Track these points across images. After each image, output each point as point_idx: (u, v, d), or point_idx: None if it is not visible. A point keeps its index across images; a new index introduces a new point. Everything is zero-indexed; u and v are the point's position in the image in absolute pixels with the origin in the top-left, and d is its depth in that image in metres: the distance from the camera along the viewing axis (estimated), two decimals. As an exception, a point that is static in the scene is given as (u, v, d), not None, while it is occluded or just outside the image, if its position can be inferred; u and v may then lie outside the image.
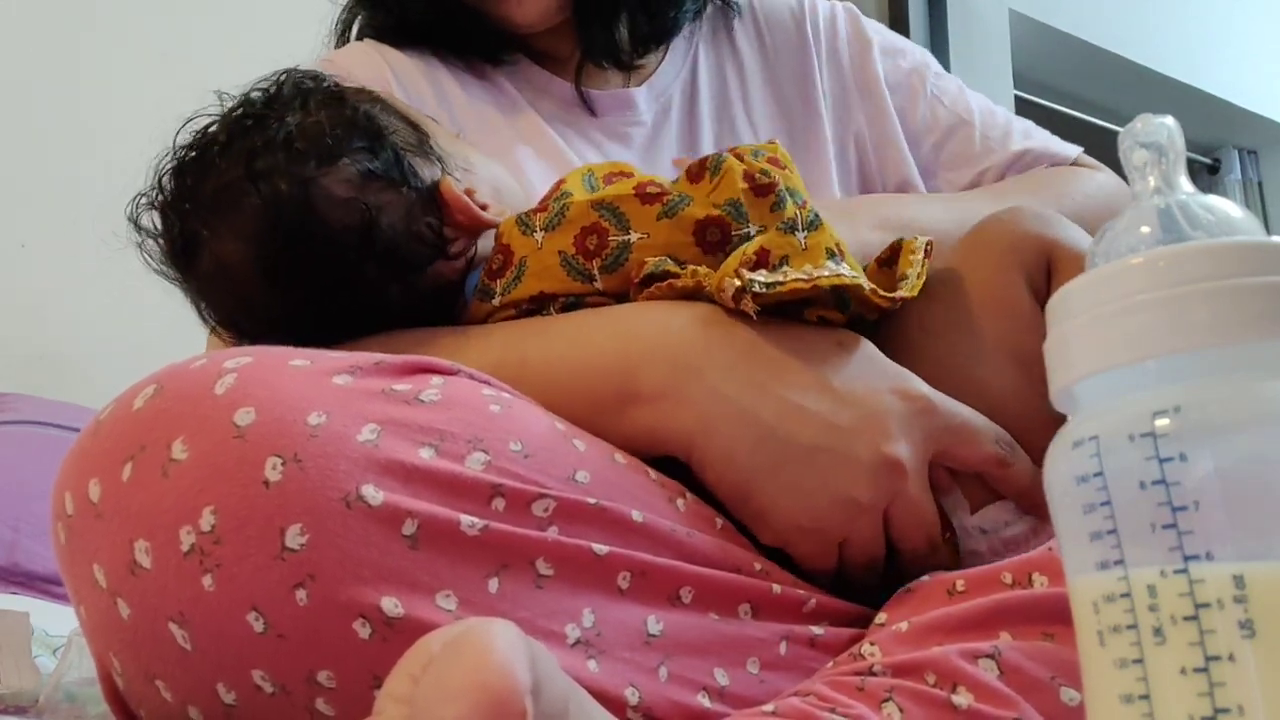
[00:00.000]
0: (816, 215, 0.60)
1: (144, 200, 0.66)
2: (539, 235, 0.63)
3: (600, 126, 0.87)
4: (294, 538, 0.44)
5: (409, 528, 0.45)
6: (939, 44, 2.25)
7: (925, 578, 0.56)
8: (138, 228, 0.66)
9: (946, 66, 1.94)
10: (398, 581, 0.44)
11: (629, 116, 0.88)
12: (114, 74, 1.78)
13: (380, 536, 0.44)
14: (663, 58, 0.92)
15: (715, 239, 0.62)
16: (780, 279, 0.57)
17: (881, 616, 0.55)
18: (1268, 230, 0.32)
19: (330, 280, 0.63)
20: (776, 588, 0.55)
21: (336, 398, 0.47)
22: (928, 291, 0.61)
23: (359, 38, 0.92)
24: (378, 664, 0.44)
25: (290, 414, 0.45)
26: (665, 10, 0.89)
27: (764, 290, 0.56)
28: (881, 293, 0.59)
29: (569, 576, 0.49)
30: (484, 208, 0.67)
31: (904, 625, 0.52)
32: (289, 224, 0.62)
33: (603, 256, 0.62)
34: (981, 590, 0.52)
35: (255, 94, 0.67)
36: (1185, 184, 0.32)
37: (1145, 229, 0.31)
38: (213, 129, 0.65)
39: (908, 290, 0.60)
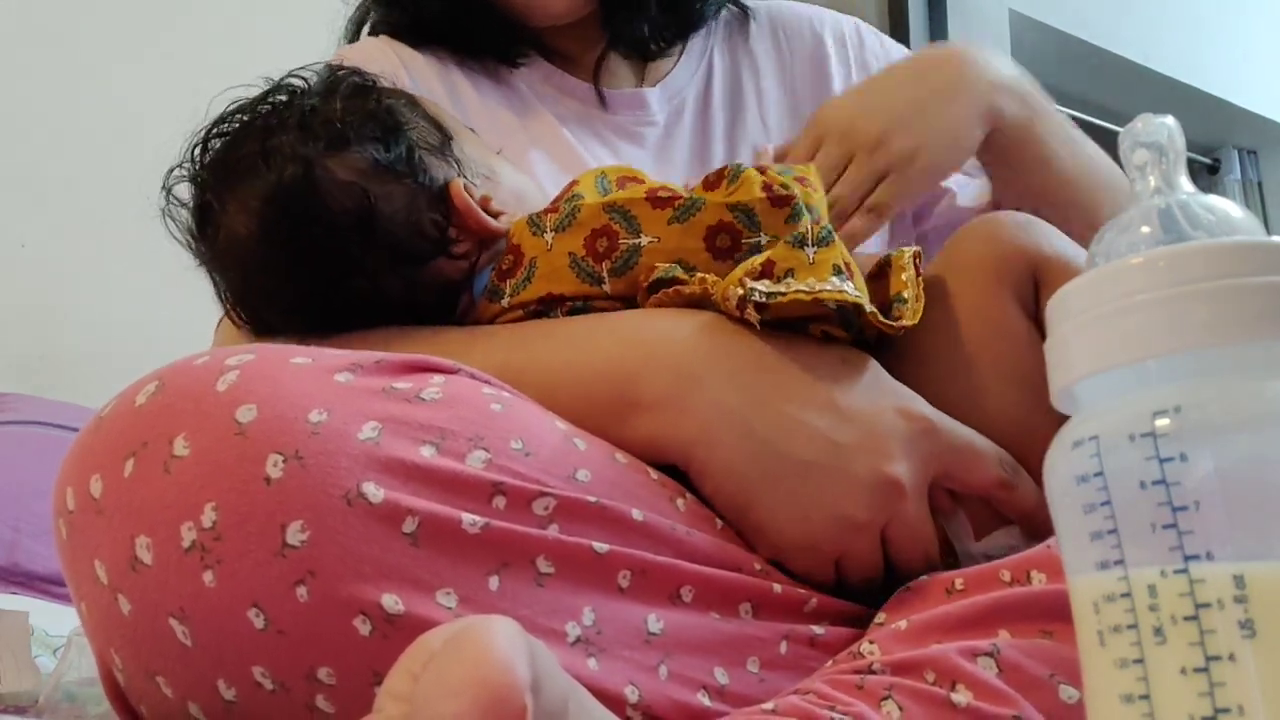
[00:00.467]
0: (829, 232, 0.60)
1: (177, 171, 0.68)
2: (549, 236, 0.63)
3: (613, 126, 0.87)
4: (295, 535, 0.44)
5: (410, 525, 0.45)
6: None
7: (924, 577, 0.56)
8: (169, 197, 0.68)
9: (946, 66, 1.93)
10: (398, 579, 0.45)
11: (642, 116, 0.88)
12: (115, 75, 1.78)
13: (381, 534, 0.45)
14: (678, 59, 0.92)
15: (725, 245, 0.62)
16: (782, 290, 0.57)
17: (881, 615, 0.55)
18: (1268, 230, 0.32)
19: (329, 264, 0.64)
20: (777, 587, 0.55)
21: (338, 395, 0.47)
22: (922, 319, 0.61)
23: (373, 34, 0.92)
24: (378, 661, 0.44)
25: (292, 411, 0.46)
26: (691, 1, 0.89)
27: (765, 300, 0.56)
28: (883, 319, 0.59)
29: (569, 575, 0.49)
30: (497, 215, 0.67)
31: (903, 624, 0.52)
32: (291, 203, 0.62)
33: (612, 259, 0.62)
34: (980, 588, 0.52)
35: (292, 79, 0.69)
36: (1186, 184, 0.32)
37: (1145, 229, 0.32)
38: (244, 105, 0.67)
39: (910, 317, 0.60)
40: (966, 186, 0.90)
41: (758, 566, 0.56)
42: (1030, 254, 0.63)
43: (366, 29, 0.94)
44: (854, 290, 0.58)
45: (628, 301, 0.63)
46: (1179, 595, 0.28)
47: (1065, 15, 2.73)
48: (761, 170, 0.64)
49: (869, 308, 0.58)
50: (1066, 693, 0.47)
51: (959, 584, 0.53)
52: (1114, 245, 0.32)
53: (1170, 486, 0.28)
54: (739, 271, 0.59)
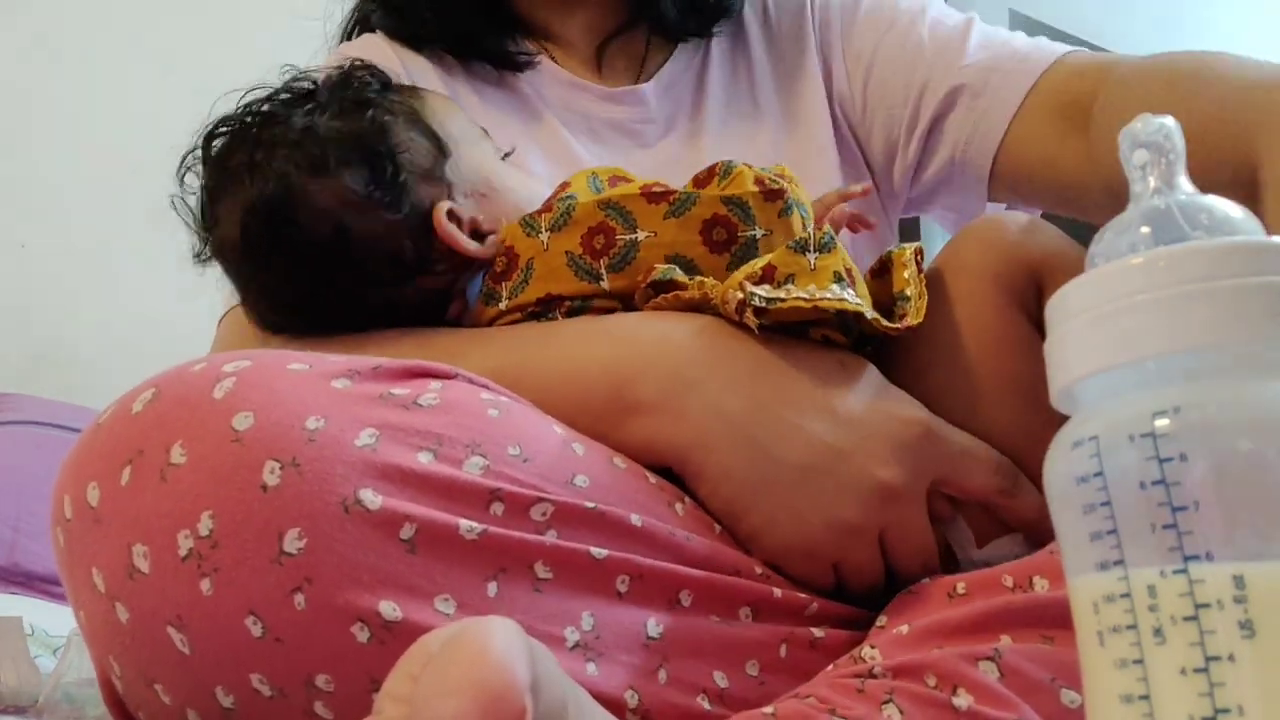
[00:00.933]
0: (831, 238, 0.59)
1: (190, 158, 0.68)
2: (544, 236, 0.63)
3: (614, 126, 0.87)
4: (292, 542, 0.44)
5: (407, 532, 0.45)
6: (939, 44, 2.25)
7: (926, 580, 0.56)
8: (182, 184, 0.68)
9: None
10: (396, 586, 0.44)
11: (641, 113, 0.87)
12: (115, 76, 1.78)
13: (378, 541, 0.44)
14: (674, 48, 0.90)
15: (722, 238, 0.62)
16: (782, 296, 0.56)
17: (882, 619, 0.55)
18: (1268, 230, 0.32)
19: (305, 281, 0.64)
20: (777, 592, 0.55)
21: (335, 402, 0.47)
22: (921, 327, 0.60)
23: (373, 31, 0.91)
24: (376, 668, 0.44)
25: (288, 418, 0.45)
26: None
27: (764, 305, 0.56)
28: (885, 323, 0.58)
29: (568, 580, 0.49)
30: (486, 235, 0.66)
31: (904, 628, 0.52)
32: (269, 221, 0.63)
33: (610, 255, 0.62)
34: (982, 593, 0.52)
35: (300, 82, 0.68)
36: (1185, 184, 0.32)
37: (1145, 229, 0.31)
38: (251, 103, 0.67)
39: (914, 316, 0.59)
40: (926, 90, 0.82)
41: (758, 570, 0.55)
42: (1033, 257, 0.62)
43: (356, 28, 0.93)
44: (854, 298, 0.57)
45: (626, 299, 0.63)
46: (1179, 595, 0.28)
47: (1065, 15, 2.74)
48: (749, 166, 0.65)
49: (870, 315, 0.57)
50: (1068, 697, 0.47)
51: (961, 588, 0.53)
52: (1114, 245, 0.32)
53: (1170, 487, 0.28)
54: (739, 275, 0.59)
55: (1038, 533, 0.59)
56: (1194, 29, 3.23)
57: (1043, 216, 0.71)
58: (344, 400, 0.47)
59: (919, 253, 0.64)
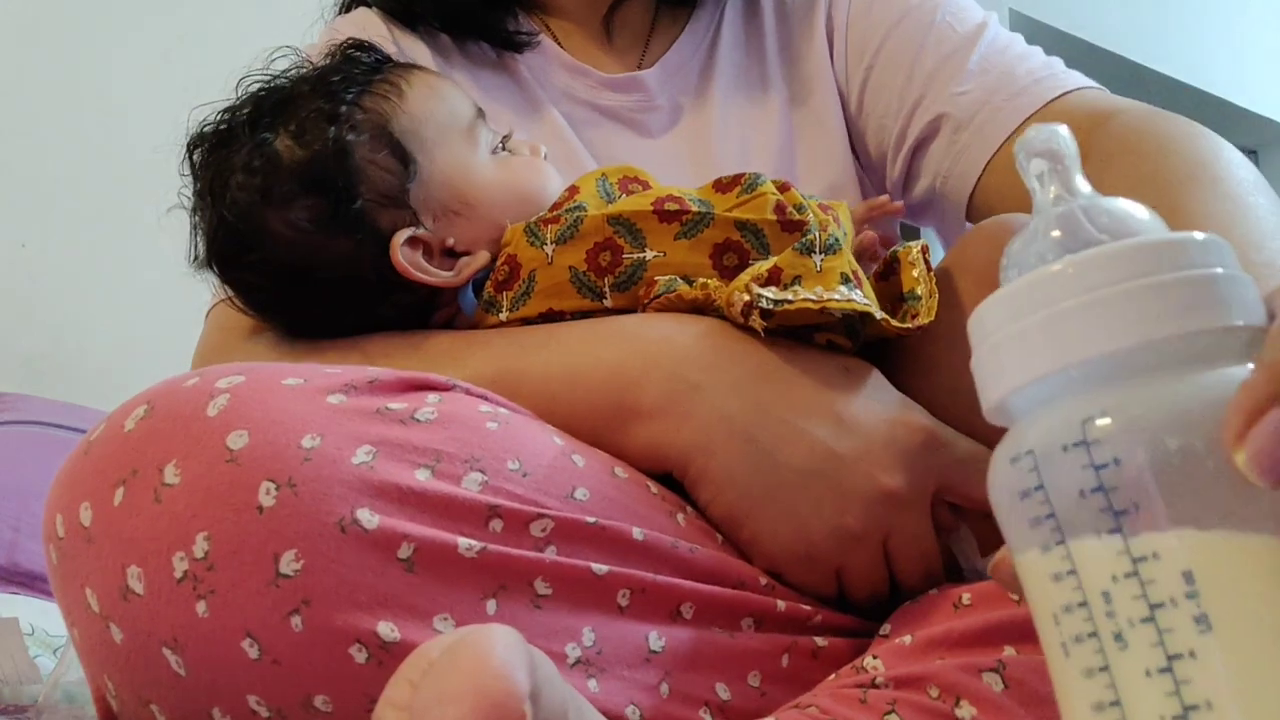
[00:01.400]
0: (836, 240, 0.58)
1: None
2: (549, 248, 0.62)
3: (615, 114, 0.85)
4: (288, 564, 0.43)
5: (405, 551, 0.45)
6: (939, 44, 2.24)
7: (933, 591, 0.55)
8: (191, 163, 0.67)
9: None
10: (394, 606, 0.44)
11: (644, 100, 0.85)
12: (115, 74, 1.78)
13: (376, 561, 0.44)
14: (681, 31, 0.88)
15: (733, 264, 0.61)
16: (789, 298, 0.55)
17: (885, 628, 0.55)
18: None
19: (279, 296, 0.64)
20: (781, 604, 0.54)
21: (330, 418, 0.46)
22: (928, 327, 0.59)
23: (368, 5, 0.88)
24: (374, 688, 0.42)
25: (283, 436, 0.45)
26: None
27: (771, 307, 0.55)
28: (895, 323, 0.58)
29: (568, 596, 0.48)
30: (465, 253, 0.64)
31: (907, 638, 0.51)
32: (233, 240, 0.63)
33: (615, 274, 0.61)
34: (987, 605, 0.51)
35: (280, 81, 0.66)
36: (1083, 185, 0.33)
37: (1054, 234, 0.32)
38: (224, 113, 0.65)
39: (925, 315, 0.58)
40: (925, 97, 0.81)
41: (763, 582, 0.55)
42: None
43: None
44: (862, 299, 0.56)
45: (629, 311, 0.62)
46: (1133, 598, 0.28)
47: (1065, 15, 2.73)
48: (784, 188, 0.62)
49: (879, 315, 0.57)
50: None
51: (966, 599, 0.53)
52: (1022, 257, 0.32)
53: (1108, 492, 0.28)
54: (745, 276, 0.58)
55: None
56: (1193, 29, 3.22)
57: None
58: (340, 416, 0.47)
59: (925, 250, 0.63)
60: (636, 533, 0.51)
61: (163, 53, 1.81)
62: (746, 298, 0.56)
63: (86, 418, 1.44)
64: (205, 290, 0.74)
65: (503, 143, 0.69)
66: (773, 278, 0.57)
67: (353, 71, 0.66)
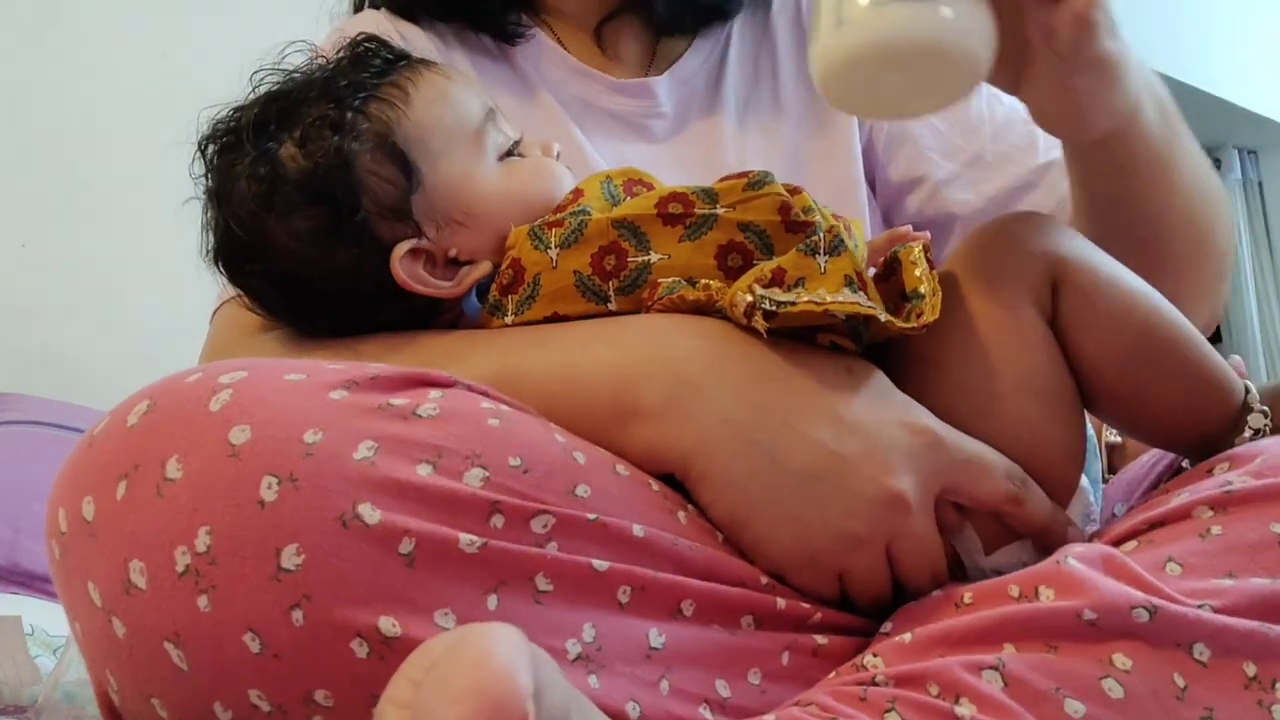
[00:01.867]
0: (840, 241, 0.58)
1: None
2: (554, 253, 0.61)
3: (619, 117, 0.85)
4: (290, 558, 0.43)
5: (406, 546, 0.45)
6: (939, 44, 2.24)
7: (936, 592, 0.55)
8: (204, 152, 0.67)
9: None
10: (395, 601, 0.44)
11: (649, 106, 0.85)
12: (115, 75, 1.78)
13: (377, 556, 0.44)
14: (691, 41, 0.88)
15: (737, 265, 0.60)
16: (793, 300, 0.55)
17: (886, 626, 0.55)
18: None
19: (284, 298, 0.65)
20: (781, 602, 0.54)
21: (333, 414, 0.47)
22: (932, 325, 0.58)
23: (373, 7, 0.89)
24: (375, 683, 0.43)
25: (285, 432, 0.45)
26: None
27: (775, 309, 0.55)
28: (900, 324, 0.57)
29: (568, 592, 0.48)
30: (467, 262, 0.64)
31: (907, 636, 0.51)
32: (239, 249, 0.63)
33: (620, 278, 0.60)
34: (988, 603, 0.51)
35: (289, 82, 0.65)
36: None
37: None
38: (236, 113, 0.65)
39: (930, 313, 0.58)
40: (954, 181, 0.85)
41: (763, 580, 0.55)
42: (1049, 256, 0.61)
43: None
44: (866, 301, 0.56)
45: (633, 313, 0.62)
46: None
47: (1065, 15, 2.73)
48: (794, 190, 0.62)
49: (884, 318, 0.56)
50: (1072, 707, 0.46)
51: (967, 598, 0.53)
52: None
53: None
54: (748, 277, 0.58)
55: (1047, 539, 0.58)
56: (1193, 28, 3.22)
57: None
58: (342, 412, 0.47)
59: (927, 249, 0.63)
60: (637, 530, 0.51)
61: (163, 54, 1.81)
62: (749, 299, 0.56)
63: (86, 418, 1.44)
64: (205, 290, 0.74)
65: (513, 146, 0.68)
66: (776, 279, 0.57)
67: (360, 75, 0.65)
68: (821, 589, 0.56)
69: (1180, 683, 0.47)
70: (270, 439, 0.45)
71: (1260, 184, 3.57)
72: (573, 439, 0.54)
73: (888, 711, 0.47)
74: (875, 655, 0.51)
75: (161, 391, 0.48)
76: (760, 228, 0.61)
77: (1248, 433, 0.61)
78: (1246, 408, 0.62)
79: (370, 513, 0.44)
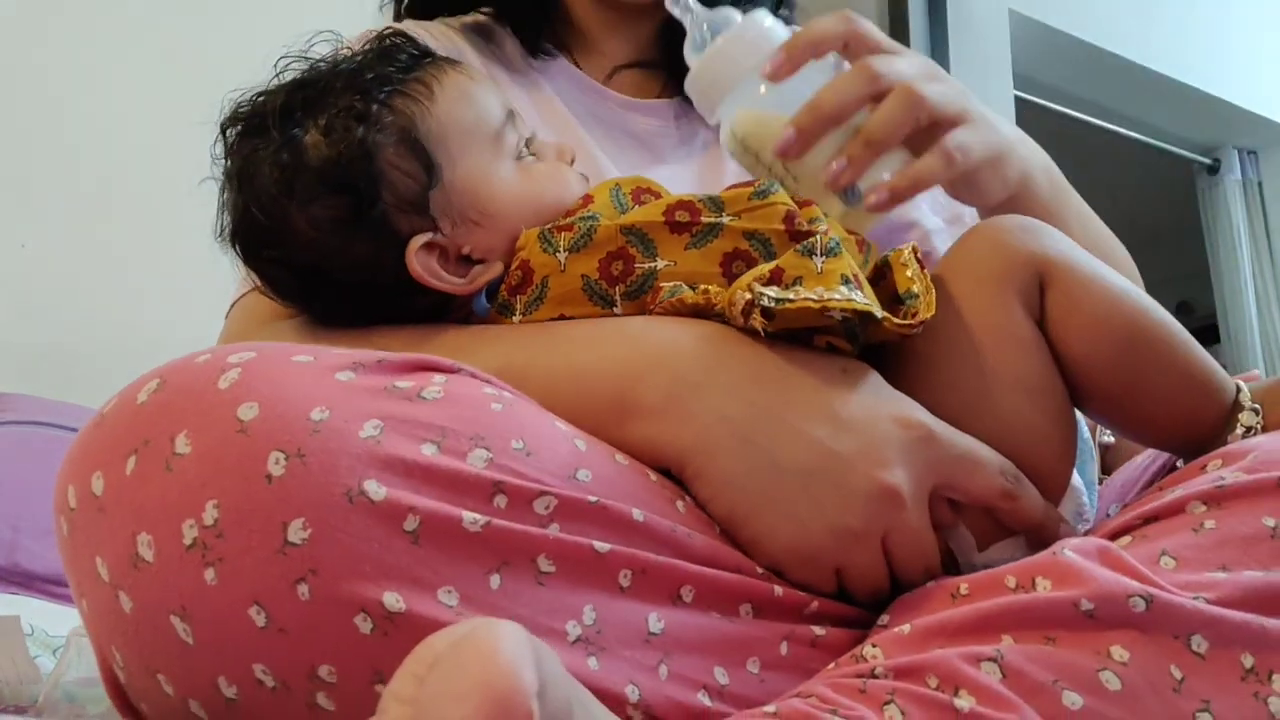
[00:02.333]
0: (837, 243, 0.59)
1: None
2: (563, 256, 0.62)
3: (632, 134, 0.87)
4: (296, 532, 0.44)
5: (411, 523, 0.45)
6: (939, 44, 2.24)
7: (931, 584, 0.56)
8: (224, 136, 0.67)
9: (946, 67, 1.92)
10: (399, 577, 0.45)
11: (660, 126, 0.87)
12: (116, 75, 1.78)
13: (382, 532, 0.45)
14: None
15: (741, 272, 0.61)
16: (790, 297, 0.56)
17: (884, 618, 0.55)
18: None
19: (300, 285, 0.65)
20: (778, 589, 0.55)
21: (339, 394, 0.47)
22: (928, 323, 0.59)
23: (407, 16, 0.92)
24: (379, 659, 0.44)
25: (293, 409, 0.46)
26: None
27: (773, 305, 0.56)
28: (896, 321, 0.58)
29: (570, 574, 0.49)
30: (480, 261, 0.64)
31: (906, 628, 0.52)
32: (258, 234, 0.63)
33: (627, 283, 0.61)
34: (985, 594, 0.52)
35: (315, 70, 0.66)
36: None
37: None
38: (260, 98, 0.65)
39: (925, 311, 0.59)
40: (939, 233, 0.87)
41: (760, 570, 0.55)
42: (1035, 257, 0.62)
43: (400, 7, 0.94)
44: (863, 298, 0.57)
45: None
46: None
47: (1065, 15, 2.73)
48: (804, 204, 0.63)
49: (880, 314, 0.57)
50: (1070, 699, 0.47)
51: (964, 589, 0.53)
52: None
53: None
54: (747, 277, 0.59)
55: (1040, 536, 0.59)
56: (1192, 28, 3.22)
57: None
58: (348, 392, 0.48)
59: (916, 250, 0.64)
60: (637, 514, 0.52)
61: (163, 54, 1.81)
62: (748, 296, 0.57)
63: (86, 418, 1.44)
64: (206, 289, 0.75)
65: (527, 144, 0.69)
66: (774, 278, 0.58)
67: (387, 69, 0.65)
68: (820, 584, 0.57)
69: (1177, 675, 0.48)
70: (278, 416, 0.45)
71: (1260, 184, 3.57)
72: (573, 428, 0.55)
73: (887, 703, 0.47)
74: (874, 646, 0.52)
75: (171, 371, 0.48)
76: (765, 236, 0.61)
77: (1240, 430, 0.61)
78: (1238, 406, 0.62)
79: (376, 489, 0.45)
